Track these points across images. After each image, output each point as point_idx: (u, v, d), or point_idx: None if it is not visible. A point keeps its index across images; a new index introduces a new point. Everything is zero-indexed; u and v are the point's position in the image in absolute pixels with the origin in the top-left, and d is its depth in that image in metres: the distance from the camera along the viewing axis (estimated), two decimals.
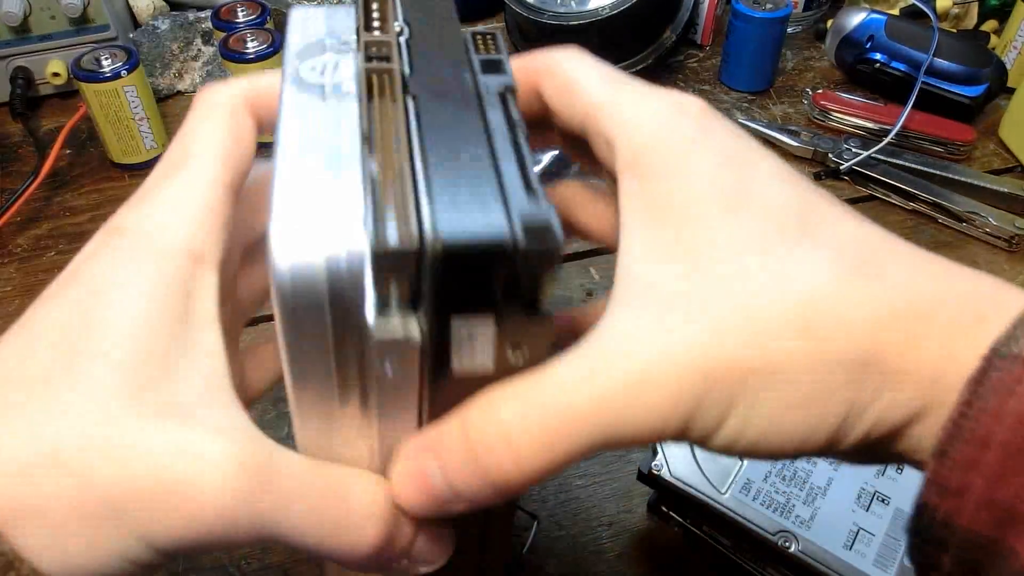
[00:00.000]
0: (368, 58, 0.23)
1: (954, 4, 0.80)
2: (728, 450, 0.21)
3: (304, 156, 0.21)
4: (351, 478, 0.23)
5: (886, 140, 0.66)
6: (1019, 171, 0.69)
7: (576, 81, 0.26)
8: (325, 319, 0.20)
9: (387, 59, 0.23)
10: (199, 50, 0.79)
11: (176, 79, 0.79)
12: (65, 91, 0.77)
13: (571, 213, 0.29)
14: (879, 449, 0.21)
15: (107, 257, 0.23)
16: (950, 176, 0.65)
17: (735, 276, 0.21)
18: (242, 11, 0.73)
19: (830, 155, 0.68)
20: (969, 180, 0.65)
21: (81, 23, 0.74)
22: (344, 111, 0.23)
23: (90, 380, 0.21)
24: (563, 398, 0.21)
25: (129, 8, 0.80)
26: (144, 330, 0.22)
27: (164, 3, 0.83)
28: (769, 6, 0.73)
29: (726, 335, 0.20)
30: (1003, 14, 0.79)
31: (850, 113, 0.72)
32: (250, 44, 0.67)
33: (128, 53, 0.67)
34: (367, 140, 0.21)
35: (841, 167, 0.67)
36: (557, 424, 0.21)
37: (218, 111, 0.26)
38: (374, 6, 0.26)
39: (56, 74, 0.74)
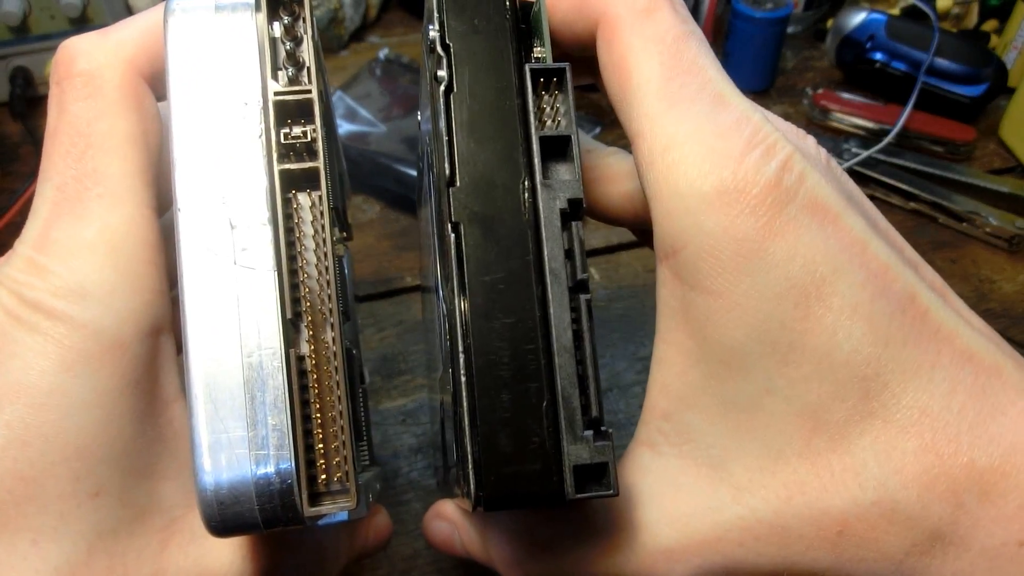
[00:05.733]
0: (283, 155, 0.18)
1: (955, 4, 0.80)
2: None
3: (216, 403, 0.18)
4: None
5: (886, 140, 0.66)
6: (1019, 171, 0.69)
7: (629, 73, 0.19)
8: None
9: (311, 156, 0.18)
10: None
11: None
12: None
13: (601, 188, 0.23)
14: None
15: (39, 358, 0.18)
16: (950, 176, 0.65)
17: (774, 468, 0.19)
18: None
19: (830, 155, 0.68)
20: (969, 180, 0.65)
21: (81, 23, 0.73)
22: (259, 286, 0.19)
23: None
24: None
25: (128, 8, 0.80)
26: (114, 453, 0.19)
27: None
28: (769, 6, 0.73)
29: (757, 543, 0.19)
30: (1003, 14, 0.79)
31: (850, 113, 0.72)
32: None
33: None
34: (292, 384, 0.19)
35: (841, 167, 0.67)
36: None
37: (108, 91, 0.18)
38: (284, 17, 0.19)
39: None
